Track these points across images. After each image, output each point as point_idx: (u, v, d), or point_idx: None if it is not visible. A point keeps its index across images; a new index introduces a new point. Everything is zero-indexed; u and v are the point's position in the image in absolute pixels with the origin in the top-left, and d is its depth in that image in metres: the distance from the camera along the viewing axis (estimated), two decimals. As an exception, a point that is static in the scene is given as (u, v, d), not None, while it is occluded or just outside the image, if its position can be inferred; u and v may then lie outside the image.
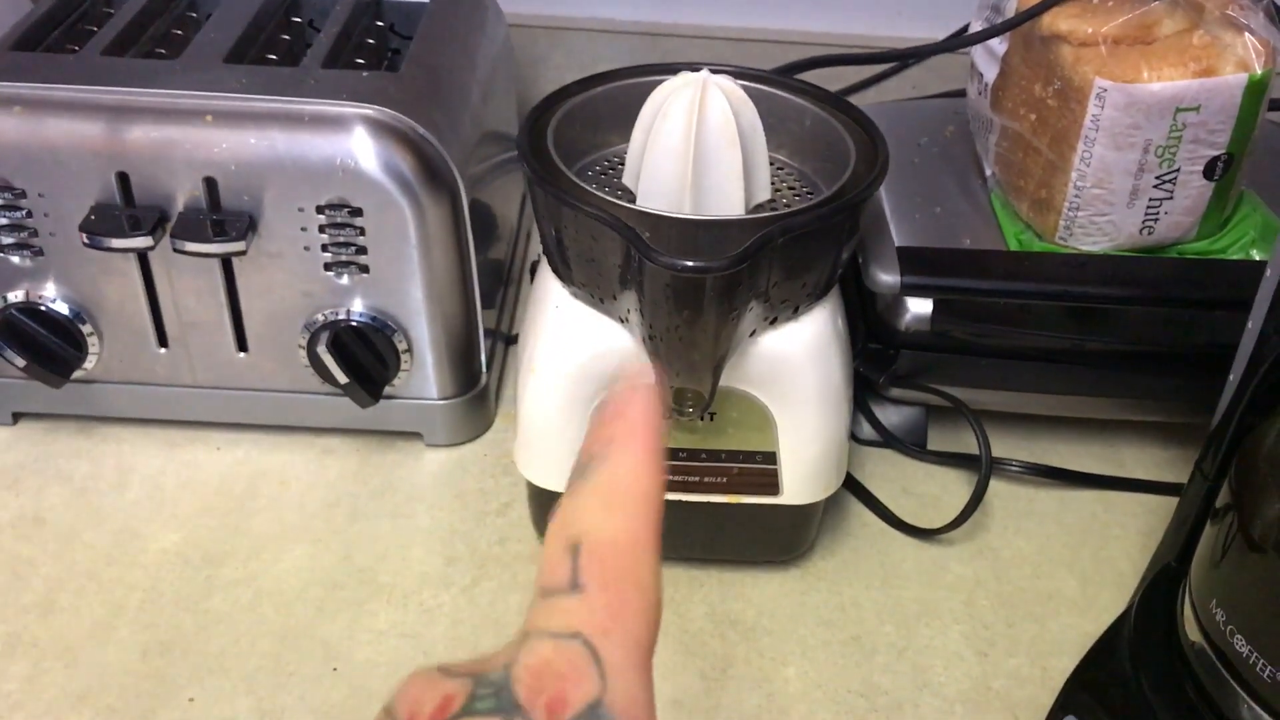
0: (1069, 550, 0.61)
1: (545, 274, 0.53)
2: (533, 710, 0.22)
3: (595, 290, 0.50)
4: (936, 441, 0.66)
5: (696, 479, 0.54)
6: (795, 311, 0.50)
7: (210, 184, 0.55)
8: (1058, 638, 0.56)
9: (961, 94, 0.71)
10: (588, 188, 0.48)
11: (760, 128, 0.50)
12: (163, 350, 0.61)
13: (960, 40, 0.60)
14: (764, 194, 0.51)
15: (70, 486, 0.61)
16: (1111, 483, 0.64)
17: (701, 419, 0.51)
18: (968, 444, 0.66)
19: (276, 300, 0.59)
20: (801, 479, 0.54)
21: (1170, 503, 0.63)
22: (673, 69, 0.52)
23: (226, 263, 0.58)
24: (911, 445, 0.65)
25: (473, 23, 0.70)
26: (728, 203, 0.49)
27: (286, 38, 0.67)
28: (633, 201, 0.50)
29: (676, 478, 0.54)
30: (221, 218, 0.56)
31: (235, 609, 0.55)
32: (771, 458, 0.53)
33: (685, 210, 0.49)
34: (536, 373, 0.52)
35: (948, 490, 0.64)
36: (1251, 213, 0.61)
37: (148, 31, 0.64)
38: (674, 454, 0.53)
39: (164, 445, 0.64)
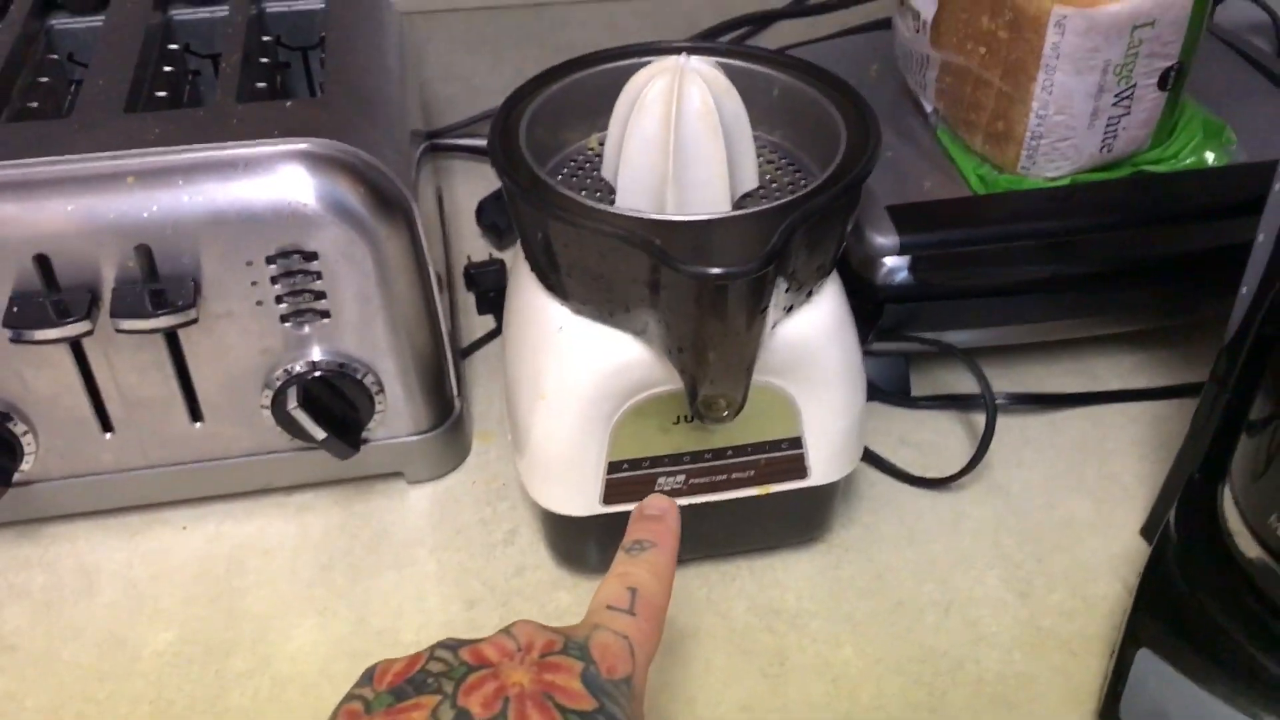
0: (1073, 473, 0.61)
1: (533, 291, 0.50)
2: (600, 665, 0.35)
3: (604, 305, 0.47)
4: (916, 386, 0.66)
5: (724, 477, 0.52)
6: (809, 295, 0.48)
7: (144, 252, 0.50)
8: (1088, 564, 0.57)
9: (875, 27, 0.70)
10: (583, 199, 0.45)
11: (744, 115, 0.47)
12: (109, 435, 0.56)
13: (900, -19, 0.58)
14: (751, 183, 0.49)
15: (32, 601, 0.56)
16: (1096, 398, 0.65)
17: (733, 419, 0.49)
18: (948, 384, 0.66)
19: (231, 363, 0.54)
20: (827, 458, 0.52)
21: (1154, 407, 0.65)
22: (640, 51, 0.49)
23: (172, 334, 0.52)
24: (900, 395, 0.64)
25: (374, 24, 0.65)
26: (712, 196, 0.47)
27: (169, 69, 0.61)
28: (613, 195, 0.48)
29: (704, 479, 0.52)
30: (161, 287, 0.51)
31: (256, 702, 0.51)
32: (797, 442, 0.51)
33: (669, 206, 0.46)
34: (547, 400, 0.49)
35: (942, 434, 0.64)
36: (1194, 114, 0.62)
37: (16, 86, 0.57)
38: (700, 456, 0.51)
39: (125, 536, 0.58)
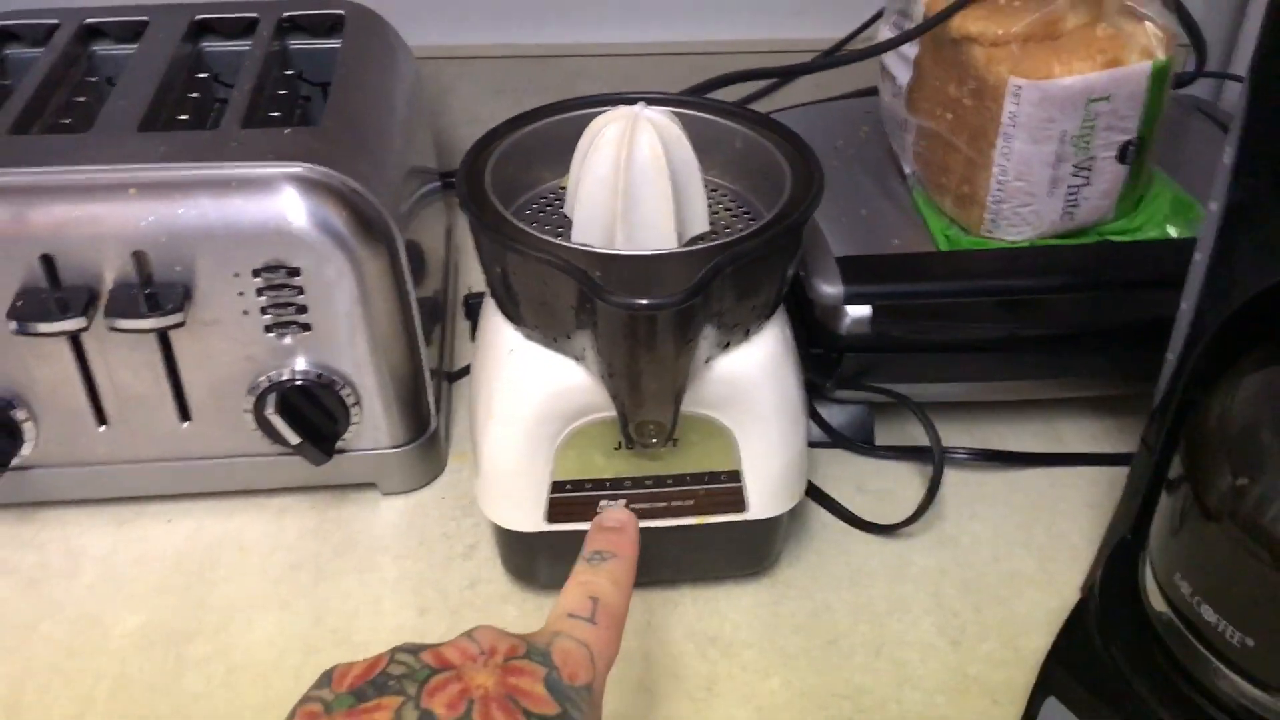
0: (1022, 530, 0.63)
1: (495, 316, 0.53)
2: (562, 671, 0.37)
3: (549, 331, 0.50)
4: (883, 436, 0.68)
5: (664, 504, 0.54)
6: (747, 334, 0.51)
7: (140, 258, 0.54)
8: (1024, 617, 0.58)
9: (869, 93, 0.73)
10: (532, 231, 0.48)
11: (695, 163, 0.50)
12: (103, 428, 0.60)
13: (872, 48, 0.61)
14: (701, 226, 0.52)
15: (19, 578, 0.60)
16: (1054, 459, 0.66)
17: (664, 446, 0.51)
18: (914, 436, 0.68)
19: (218, 367, 0.58)
20: (766, 494, 0.54)
21: (1111, 473, 0.66)
22: (604, 100, 0.52)
23: (163, 335, 0.56)
24: (861, 443, 0.66)
25: (385, 65, 0.70)
26: (659, 235, 0.49)
27: (195, 95, 0.66)
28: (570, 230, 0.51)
29: (645, 505, 0.54)
30: (155, 291, 0.55)
31: (210, 686, 0.54)
32: (736, 476, 0.54)
33: (618, 243, 0.49)
34: (496, 418, 0.52)
35: (900, 483, 0.66)
36: (1162, 189, 0.64)
37: (51, 103, 0.63)
38: (640, 482, 0.53)
39: (113, 524, 0.62)
